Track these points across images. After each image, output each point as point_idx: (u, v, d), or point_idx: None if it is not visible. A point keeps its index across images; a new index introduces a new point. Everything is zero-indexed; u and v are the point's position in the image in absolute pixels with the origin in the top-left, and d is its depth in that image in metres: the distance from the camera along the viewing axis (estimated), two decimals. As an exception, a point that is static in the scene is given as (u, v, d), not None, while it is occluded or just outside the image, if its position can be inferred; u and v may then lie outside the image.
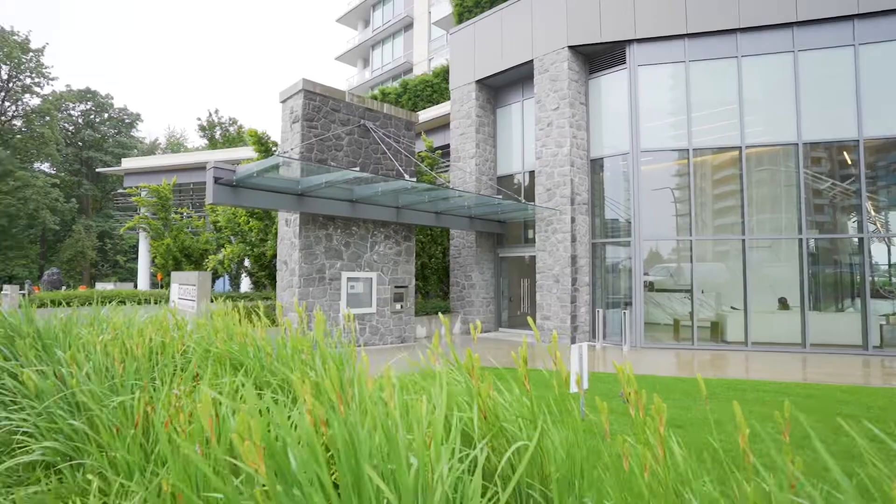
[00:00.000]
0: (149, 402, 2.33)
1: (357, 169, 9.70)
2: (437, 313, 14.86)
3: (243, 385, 2.46)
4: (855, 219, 11.48)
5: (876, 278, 11.34)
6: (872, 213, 11.44)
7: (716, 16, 11.72)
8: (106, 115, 48.35)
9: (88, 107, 47.38)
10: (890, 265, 11.60)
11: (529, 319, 2.31)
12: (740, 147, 11.63)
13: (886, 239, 11.49)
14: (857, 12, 11.08)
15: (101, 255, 44.93)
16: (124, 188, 32.10)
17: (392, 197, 11.55)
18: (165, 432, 1.93)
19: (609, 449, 1.65)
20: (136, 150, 48.68)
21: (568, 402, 2.03)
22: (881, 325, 11.16)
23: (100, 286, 30.06)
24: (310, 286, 10.93)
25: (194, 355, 3.09)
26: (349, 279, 11.75)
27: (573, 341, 12.59)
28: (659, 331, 12.53)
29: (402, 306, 12.87)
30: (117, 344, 2.84)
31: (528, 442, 1.74)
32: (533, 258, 14.90)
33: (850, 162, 11.42)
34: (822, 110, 11.40)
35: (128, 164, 31.03)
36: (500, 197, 13.28)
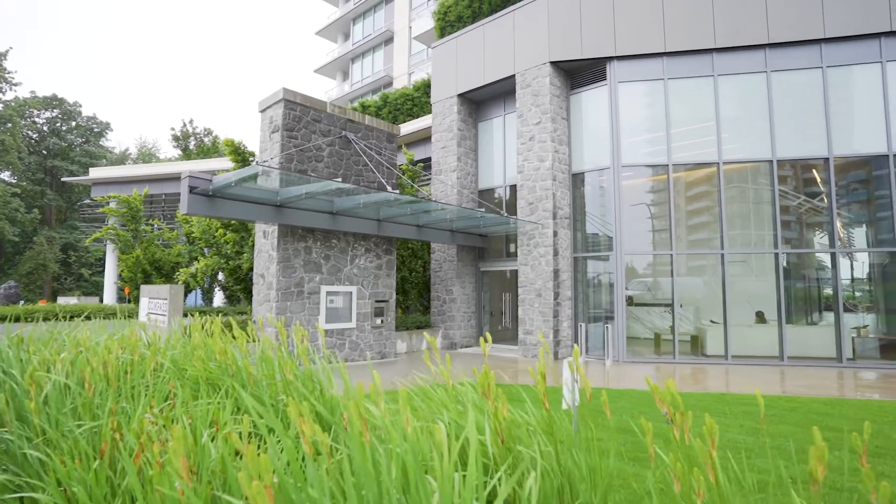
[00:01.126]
0: (116, 429, 2.07)
1: (339, 180, 9.49)
2: (417, 328, 14.60)
3: (223, 407, 2.22)
4: (826, 234, 11.80)
5: (843, 292, 11.62)
6: (841, 228, 11.78)
7: (692, 36, 12.04)
8: (73, 124, 46.84)
9: (55, 114, 45.85)
10: (853, 280, 11.91)
11: (540, 336, 2.17)
12: (718, 163, 11.87)
13: (850, 254, 11.82)
14: (822, 37, 11.53)
15: (65, 268, 43.07)
16: (91, 198, 30.97)
17: (373, 209, 11.35)
18: (135, 465, 1.69)
19: (636, 471, 1.49)
20: (104, 160, 47.20)
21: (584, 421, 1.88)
22: (853, 338, 11.43)
23: (62, 300, 28.73)
24: (288, 300, 10.58)
25: (168, 373, 2.83)
26: (328, 293, 11.43)
27: (556, 356, 12.50)
28: (640, 345, 12.54)
29: (382, 321, 12.58)
30: (82, 363, 2.56)
31: (548, 466, 1.57)
32: (514, 272, 14.84)
33: (821, 179, 11.78)
34: (794, 129, 11.76)
35: (96, 173, 30.00)
36: (483, 210, 13.21)
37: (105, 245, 28.58)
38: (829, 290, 11.68)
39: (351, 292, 11.93)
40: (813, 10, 11.55)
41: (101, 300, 30.18)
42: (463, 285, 15.01)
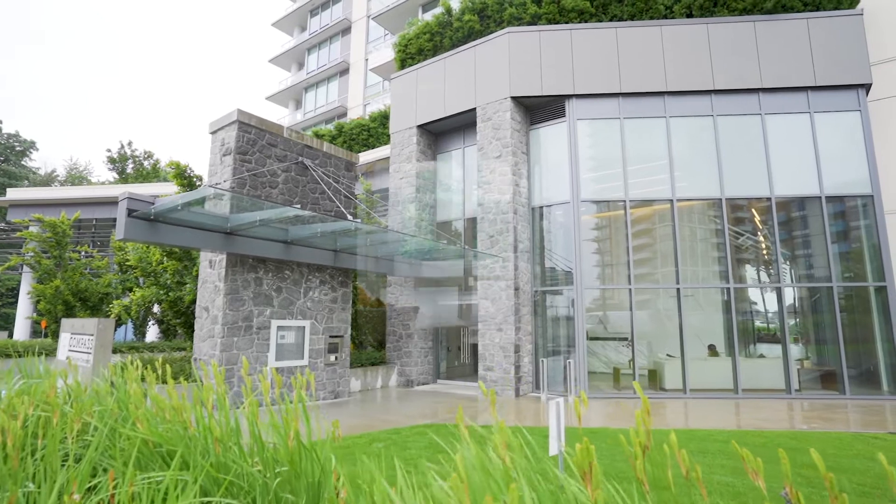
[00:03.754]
0: (19, 527, 1.49)
1: (298, 206, 8.93)
2: (372, 365, 13.86)
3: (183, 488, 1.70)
4: (773, 269, 12.37)
5: (789, 326, 12.10)
6: (783, 263, 12.40)
7: (646, 79, 12.61)
8: (-8, 142, 43.03)
9: (-30, 131, 41.97)
10: (766, 312, 12.38)
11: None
12: (672, 200, 12.28)
13: (790, 288, 12.37)
14: (760, 87, 12.42)
15: (-31, 300, 38.51)
16: (7, 222, 28.12)
17: (330, 239, 10.79)
18: None
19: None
20: (26, 181, 43.44)
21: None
22: (798, 370, 11.87)
23: (-37, 336, 25.43)
24: (234, 336, 9.68)
25: (97, 436, 2.21)
26: (279, 328, 10.60)
27: (517, 393, 12.15)
28: (600, 380, 12.45)
29: (336, 358, 11.81)
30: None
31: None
32: (472, 306, 14.52)
33: (765, 217, 12.43)
34: (740, 169, 12.41)
35: (14, 194, 27.35)
36: (445, 242, 12.93)
37: (20, 274, 25.83)
38: (775, 324, 12.16)
39: (304, 327, 11.15)
40: (750, 63, 12.44)
41: (11, 335, 27.01)
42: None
